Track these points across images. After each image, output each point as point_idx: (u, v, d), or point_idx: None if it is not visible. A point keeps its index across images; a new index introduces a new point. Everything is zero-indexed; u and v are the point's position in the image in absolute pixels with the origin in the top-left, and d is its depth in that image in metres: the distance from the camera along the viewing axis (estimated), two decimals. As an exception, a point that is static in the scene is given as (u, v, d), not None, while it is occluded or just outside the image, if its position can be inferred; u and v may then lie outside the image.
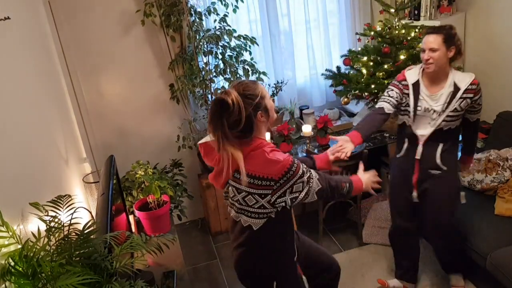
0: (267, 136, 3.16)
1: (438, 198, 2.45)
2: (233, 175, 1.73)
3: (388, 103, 2.40)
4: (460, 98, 2.28)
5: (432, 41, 2.26)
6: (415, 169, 2.46)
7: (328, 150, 2.19)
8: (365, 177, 1.99)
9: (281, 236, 1.86)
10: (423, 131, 2.38)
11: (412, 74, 2.43)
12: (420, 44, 3.22)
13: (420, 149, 2.41)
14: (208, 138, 1.82)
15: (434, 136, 2.36)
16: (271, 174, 1.66)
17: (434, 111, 2.33)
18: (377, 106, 2.46)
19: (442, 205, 2.46)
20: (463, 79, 2.29)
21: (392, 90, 2.43)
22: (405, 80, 2.43)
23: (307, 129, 3.29)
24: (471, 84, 2.27)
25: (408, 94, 2.40)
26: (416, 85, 2.40)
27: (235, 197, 1.77)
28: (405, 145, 2.48)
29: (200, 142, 1.86)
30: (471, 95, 2.28)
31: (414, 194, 2.51)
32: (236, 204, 1.79)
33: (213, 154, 1.78)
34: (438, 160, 2.38)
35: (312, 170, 1.78)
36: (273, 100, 3.54)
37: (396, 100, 2.41)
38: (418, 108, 2.37)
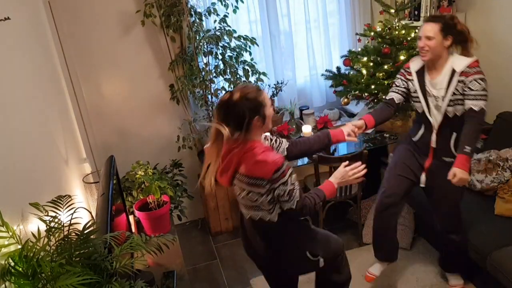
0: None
1: (448, 186, 2.31)
2: (234, 174, 1.89)
3: (397, 92, 2.50)
4: (458, 81, 2.27)
5: (429, 29, 2.27)
6: (430, 155, 2.47)
7: (343, 128, 2.22)
8: (336, 175, 2.03)
9: (293, 221, 2.00)
10: (435, 118, 2.40)
11: (416, 62, 2.47)
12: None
13: (434, 137, 2.42)
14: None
15: (445, 124, 2.36)
16: (261, 174, 1.78)
17: (437, 97, 2.34)
18: (387, 97, 2.53)
19: (451, 193, 2.44)
20: (461, 63, 2.28)
21: (398, 78, 2.53)
22: (409, 68, 2.49)
23: (307, 129, 3.29)
24: (468, 67, 2.25)
25: (412, 80, 2.45)
26: (420, 72, 2.43)
27: (240, 194, 1.94)
28: (421, 131, 2.50)
29: (206, 146, 1.94)
30: (465, 77, 2.25)
31: (423, 178, 2.52)
32: (243, 201, 1.96)
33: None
34: (452, 149, 2.38)
35: (296, 184, 1.85)
36: (273, 101, 3.55)
37: (404, 87, 2.49)
38: (427, 94, 2.39)
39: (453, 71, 2.29)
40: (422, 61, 2.39)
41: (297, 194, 1.84)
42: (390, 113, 2.52)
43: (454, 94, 2.29)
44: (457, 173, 2.17)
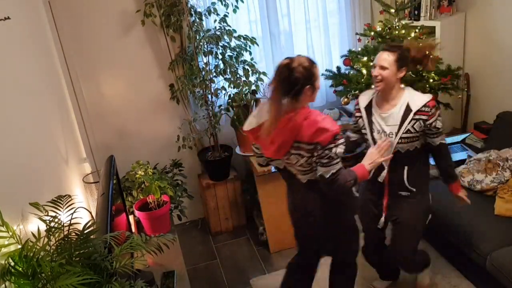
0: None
1: (406, 223, 2.39)
2: (292, 144, 1.99)
3: (352, 130, 2.53)
4: (413, 119, 2.19)
5: (384, 58, 2.20)
6: (385, 193, 2.40)
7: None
8: (365, 159, 2.12)
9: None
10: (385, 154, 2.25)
11: (365, 96, 2.40)
12: (420, 44, 3.24)
13: (384, 173, 2.33)
14: (251, 123, 2.09)
15: (397, 159, 2.26)
16: (320, 140, 1.92)
17: (388, 133, 2.25)
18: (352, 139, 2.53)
19: (413, 223, 2.39)
20: (417, 100, 2.21)
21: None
22: (358, 104, 2.42)
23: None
24: (424, 106, 2.18)
25: (361, 117, 2.38)
26: (368, 107, 2.35)
27: (298, 162, 2.02)
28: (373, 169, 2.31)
29: (245, 129, 2.11)
30: (425, 117, 2.18)
31: (382, 220, 2.45)
32: (300, 168, 2.04)
33: (263, 136, 2.03)
34: (406, 183, 2.31)
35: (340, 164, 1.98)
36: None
37: (355, 126, 2.47)
38: (373, 130, 2.32)
39: (408, 108, 2.21)
40: (376, 91, 2.30)
41: (335, 166, 1.93)
42: (356, 147, 2.58)
43: (408, 131, 2.22)
44: (462, 197, 2.39)
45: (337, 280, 2.45)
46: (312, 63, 1.97)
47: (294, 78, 1.92)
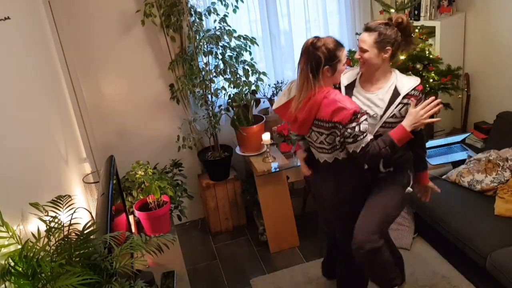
0: (267, 136, 3.17)
1: (374, 200, 2.21)
2: (313, 122, 2.09)
3: None
4: (400, 103, 2.08)
5: (364, 40, 2.08)
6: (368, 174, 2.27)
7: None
8: (408, 118, 2.04)
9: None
10: None
11: (347, 75, 2.26)
12: (420, 44, 3.24)
13: None
14: (280, 101, 2.21)
15: None
16: (340, 119, 1.99)
17: (372, 115, 2.12)
18: None
19: (374, 207, 2.20)
20: (406, 84, 2.10)
21: None
22: (339, 83, 2.25)
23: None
24: (414, 89, 2.08)
25: None
26: (349, 86, 2.22)
27: (318, 139, 2.14)
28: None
29: (274, 108, 2.25)
30: (413, 102, 2.06)
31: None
32: (319, 146, 2.16)
33: (290, 113, 2.14)
34: (381, 167, 2.21)
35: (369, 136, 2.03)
36: (273, 101, 3.55)
37: None
38: None
39: (396, 92, 2.09)
40: (360, 71, 2.20)
41: (363, 140, 2.00)
42: None
43: (394, 116, 2.10)
44: (432, 186, 2.33)
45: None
46: (337, 45, 2.04)
47: (316, 57, 2.00)
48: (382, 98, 2.12)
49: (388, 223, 2.28)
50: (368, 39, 2.07)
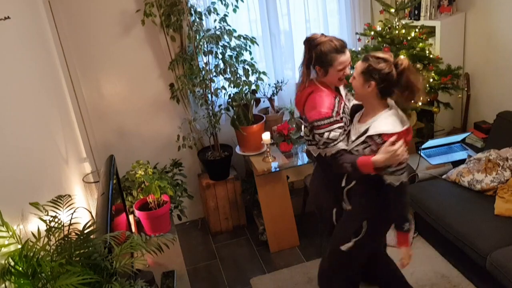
0: (267, 135, 3.17)
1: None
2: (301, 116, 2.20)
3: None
4: (364, 141, 2.00)
5: (355, 67, 2.02)
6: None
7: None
8: (381, 152, 1.90)
9: None
10: None
11: None
12: (420, 44, 3.25)
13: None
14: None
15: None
16: (308, 116, 2.07)
17: (350, 133, 2.11)
18: None
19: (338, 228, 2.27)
20: (378, 126, 1.97)
21: None
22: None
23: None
24: (379, 135, 1.95)
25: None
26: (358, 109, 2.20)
27: (303, 131, 2.26)
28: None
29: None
30: (373, 146, 1.97)
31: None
32: (305, 137, 2.25)
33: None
34: (343, 181, 2.19)
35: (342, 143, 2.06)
36: (273, 101, 3.54)
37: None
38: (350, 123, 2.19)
39: (367, 130, 2.00)
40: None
41: (334, 147, 2.03)
42: None
43: (357, 151, 2.03)
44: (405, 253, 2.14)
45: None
46: (334, 50, 2.02)
47: (310, 54, 2.07)
48: (360, 129, 2.05)
49: (345, 264, 2.28)
50: (359, 67, 1.99)
